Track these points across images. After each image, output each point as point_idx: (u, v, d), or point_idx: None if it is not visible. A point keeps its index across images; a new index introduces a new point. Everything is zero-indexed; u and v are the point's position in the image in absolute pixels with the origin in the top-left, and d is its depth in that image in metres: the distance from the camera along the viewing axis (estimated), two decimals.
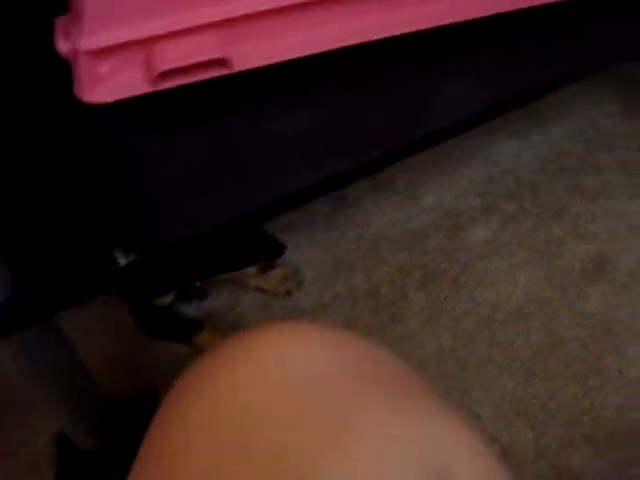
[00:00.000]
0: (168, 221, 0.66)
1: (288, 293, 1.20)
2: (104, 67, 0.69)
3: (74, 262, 0.63)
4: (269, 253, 1.14)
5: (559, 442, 1.09)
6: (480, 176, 1.31)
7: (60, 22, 0.68)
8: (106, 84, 0.69)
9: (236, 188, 0.68)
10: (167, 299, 1.14)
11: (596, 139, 1.35)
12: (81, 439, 1.04)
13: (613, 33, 0.77)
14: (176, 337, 1.16)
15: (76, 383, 0.96)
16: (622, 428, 1.09)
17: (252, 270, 1.12)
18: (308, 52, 0.74)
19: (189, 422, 0.43)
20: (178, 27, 0.68)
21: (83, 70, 0.68)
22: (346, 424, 0.41)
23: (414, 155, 1.25)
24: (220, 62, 0.71)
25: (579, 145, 1.35)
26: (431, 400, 0.47)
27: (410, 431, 0.42)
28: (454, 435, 0.44)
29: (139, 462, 0.44)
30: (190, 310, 1.20)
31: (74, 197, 0.65)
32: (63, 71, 0.68)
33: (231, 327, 1.19)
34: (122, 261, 0.63)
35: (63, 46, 0.66)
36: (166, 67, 0.69)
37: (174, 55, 0.70)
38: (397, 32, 0.75)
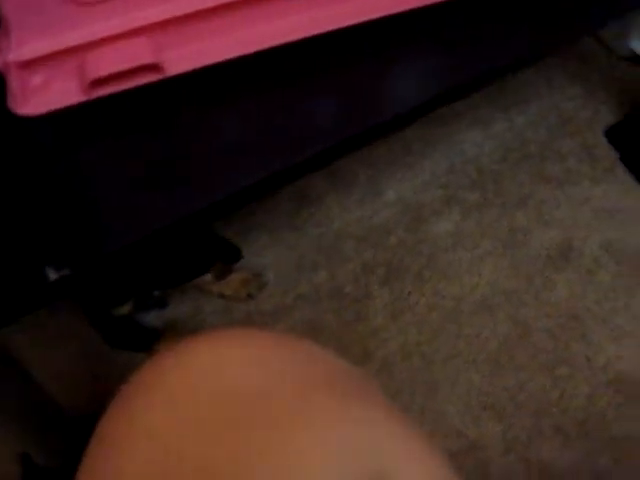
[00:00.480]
0: (104, 232, 0.65)
1: (250, 297, 1.18)
2: (36, 78, 0.67)
3: (4, 279, 0.62)
4: (226, 258, 1.12)
5: (528, 434, 1.07)
6: (442, 167, 1.30)
7: None
8: (39, 95, 0.68)
9: (175, 192, 0.67)
10: (125, 309, 1.12)
11: (559, 125, 1.34)
12: (44, 457, 1.03)
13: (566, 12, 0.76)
14: (137, 347, 1.14)
15: (32, 402, 0.94)
16: (592, 417, 1.08)
17: (210, 276, 1.10)
18: (241, 52, 0.72)
19: (124, 438, 0.42)
20: (108, 34, 0.67)
21: (15, 83, 0.66)
22: (280, 434, 0.40)
23: (372, 146, 1.24)
24: (152, 67, 0.70)
25: (542, 132, 1.33)
26: (375, 405, 0.46)
27: (350, 437, 0.41)
28: (396, 439, 0.43)
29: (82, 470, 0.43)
30: (151, 319, 1.18)
31: (5, 211, 0.64)
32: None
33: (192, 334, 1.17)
34: (53, 276, 0.62)
35: None
36: (98, 75, 0.67)
37: (106, 62, 0.68)
38: (329, 28, 0.74)
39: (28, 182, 0.66)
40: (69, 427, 1.03)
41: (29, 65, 0.65)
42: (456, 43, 0.75)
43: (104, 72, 0.67)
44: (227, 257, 1.13)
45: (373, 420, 0.44)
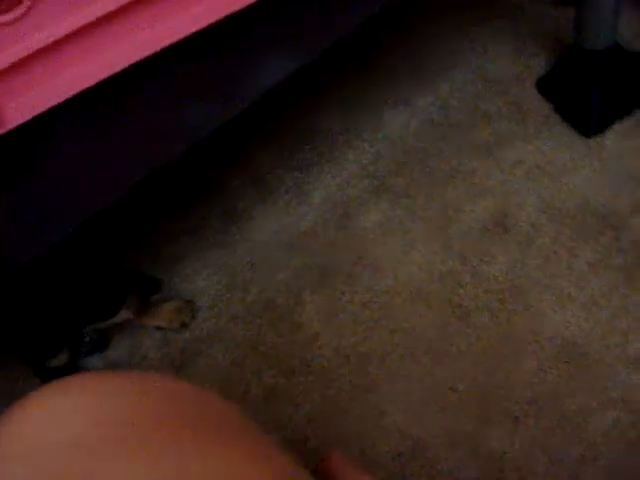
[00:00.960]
0: None
1: (184, 325, 1.16)
2: None
3: None
4: (143, 291, 1.10)
5: (474, 424, 1.00)
6: (367, 156, 1.24)
7: None
8: None
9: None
10: (62, 358, 1.12)
11: (486, 87, 1.26)
12: None
13: None
14: None
15: None
16: (542, 395, 1.00)
17: (129, 312, 1.09)
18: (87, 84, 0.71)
19: None
20: None
21: None
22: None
23: (295, 148, 1.20)
24: None
25: (468, 98, 1.25)
26: (231, 447, 0.45)
27: None
28: None
29: None
30: (94, 363, 1.17)
31: None
32: None
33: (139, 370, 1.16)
34: None
35: None
36: None
37: None
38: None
39: None
40: None
41: None
42: None
43: None
44: (144, 290, 1.11)
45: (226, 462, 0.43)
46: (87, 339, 1.13)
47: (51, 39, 0.67)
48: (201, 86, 0.75)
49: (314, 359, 1.09)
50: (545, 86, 1.23)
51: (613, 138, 1.15)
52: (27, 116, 0.70)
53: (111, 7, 0.67)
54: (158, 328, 1.17)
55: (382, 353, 1.07)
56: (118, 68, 0.71)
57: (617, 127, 1.16)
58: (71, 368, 1.14)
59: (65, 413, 0.44)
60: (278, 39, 0.76)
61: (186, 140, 0.75)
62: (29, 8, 0.66)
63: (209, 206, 1.25)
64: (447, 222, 1.15)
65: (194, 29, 0.72)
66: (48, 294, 1.01)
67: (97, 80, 0.70)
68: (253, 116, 1.31)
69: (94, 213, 0.71)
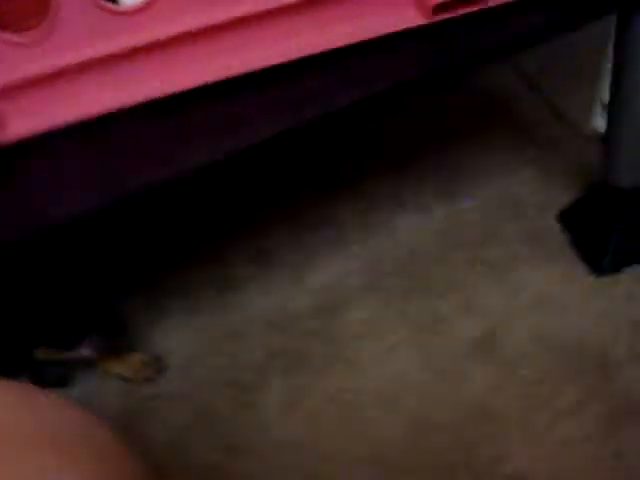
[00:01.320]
0: None
1: (148, 380, 1.13)
2: None
3: None
4: (106, 331, 1.09)
5: None
6: (372, 254, 1.21)
7: None
8: None
9: None
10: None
11: (506, 209, 1.23)
12: None
13: None
14: None
15: None
16: None
17: (88, 350, 1.07)
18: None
19: None
20: None
21: None
22: None
23: (303, 231, 1.19)
24: None
25: (486, 216, 1.22)
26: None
27: None
28: None
29: None
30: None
31: None
32: None
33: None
34: None
35: None
36: None
37: None
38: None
39: None
40: None
41: None
42: None
43: None
44: (108, 330, 1.10)
45: None
46: (49, 372, 1.12)
47: (71, 63, 0.67)
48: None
49: (259, 445, 1.03)
50: (566, 218, 1.19)
51: (624, 281, 1.09)
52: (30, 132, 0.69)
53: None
54: (120, 377, 1.14)
55: (327, 455, 1.00)
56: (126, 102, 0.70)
57: (630, 270, 1.10)
58: None
59: None
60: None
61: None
62: (49, 31, 0.65)
63: (209, 268, 1.24)
64: (434, 332, 1.10)
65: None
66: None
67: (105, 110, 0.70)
68: (271, 191, 1.32)
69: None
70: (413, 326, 1.11)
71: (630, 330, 1.04)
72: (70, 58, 0.67)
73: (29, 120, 0.68)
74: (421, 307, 1.13)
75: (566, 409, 0.98)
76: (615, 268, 1.11)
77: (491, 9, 0.76)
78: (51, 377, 1.13)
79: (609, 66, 1.05)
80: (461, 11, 0.75)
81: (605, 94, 1.10)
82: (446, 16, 0.75)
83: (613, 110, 1.06)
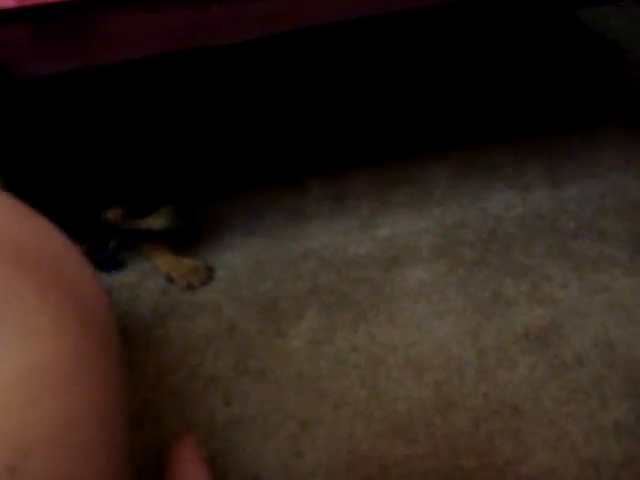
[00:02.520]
0: None
1: (190, 286, 1.10)
2: None
3: None
4: (182, 208, 1.04)
5: None
6: (453, 218, 1.12)
7: None
8: None
9: None
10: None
11: (614, 205, 1.09)
12: None
13: None
14: None
15: None
16: None
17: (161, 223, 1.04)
18: None
19: None
20: None
21: None
22: None
23: (384, 180, 1.13)
24: None
25: (589, 209, 1.09)
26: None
27: None
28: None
29: None
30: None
31: None
32: None
33: (124, 303, 1.11)
34: None
35: None
36: None
37: None
38: None
39: None
40: None
41: None
42: None
43: None
44: (183, 208, 1.05)
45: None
46: (110, 246, 1.10)
47: None
48: None
49: (277, 371, 0.97)
50: None
51: None
52: None
53: None
54: (167, 276, 1.12)
55: (339, 401, 0.93)
56: None
57: None
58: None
59: None
60: None
61: None
62: None
63: (283, 198, 1.19)
64: (491, 312, 0.99)
65: None
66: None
67: None
68: (362, 142, 1.24)
69: None
70: (470, 300, 1.01)
71: None
72: None
73: None
74: (485, 283, 1.02)
75: (606, 428, 0.84)
76: None
77: None
78: (108, 260, 1.13)
79: None
80: None
81: None
82: None
83: None
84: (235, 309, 1.05)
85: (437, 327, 0.98)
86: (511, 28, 1.44)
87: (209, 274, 1.11)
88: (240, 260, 1.12)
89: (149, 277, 1.12)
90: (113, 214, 1.03)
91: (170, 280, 1.11)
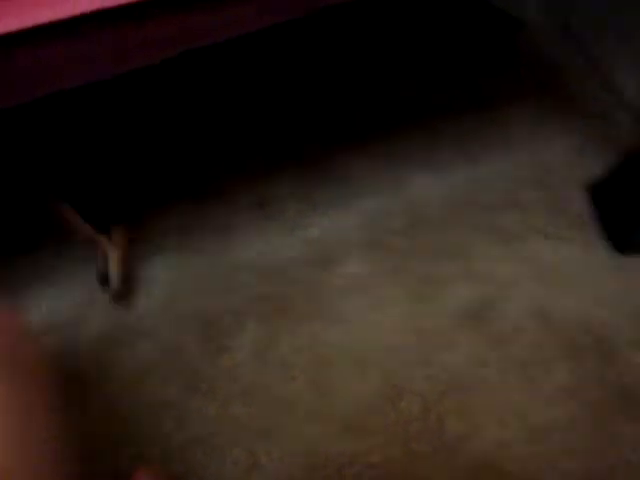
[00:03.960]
0: None
1: (116, 297, 1.08)
2: None
3: None
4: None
5: None
6: (379, 211, 1.13)
7: None
8: None
9: None
10: None
11: (534, 177, 1.12)
12: None
13: None
14: None
15: None
16: None
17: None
18: None
19: None
20: None
21: None
22: None
23: (308, 181, 1.13)
24: None
25: (511, 183, 1.12)
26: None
27: None
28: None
29: None
30: None
31: None
32: None
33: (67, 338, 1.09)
34: None
35: None
36: None
37: None
38: None
39: None
40: None
41: None
42: None
43: None
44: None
45: None
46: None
47: None
48: None
49: (223, 387, 0.97)
50: (596, 191, 1.07)
51: None
52: None
53: None
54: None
55: (290, 402, 0.93)
56: None
57: None
58: None
59: None
60: None
61: None
62: None
63: (210, 210, 1.19)
64: (426, 295, 1.00)
65: None
66: None
67: None
68: (282, 142, 1.24)
69: None
70: (405, 287, 1.02)
71: (638, 315, 0.92)
72: None
73: None
74: (419, 269, 1.04)
75: (553, 390, 0.87)
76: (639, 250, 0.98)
77: None
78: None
79: None
80: None
81: None
82: None
83: None
84: (176, 331, 1.05)
85: (375, 318, 0.99)
86: (415, 11, 1.46)
87: (123, 287, 1.09)
88: (175, 279, 1.11)
89: (89, 310, 1.11)
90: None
91: (103, 281, 1.09)
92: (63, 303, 1.07)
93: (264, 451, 0.88)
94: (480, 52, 1.35)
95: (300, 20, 0.71)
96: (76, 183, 1.07)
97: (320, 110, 1.30)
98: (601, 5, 1.14)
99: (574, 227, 1.03)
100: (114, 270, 1.09)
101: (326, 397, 0.92)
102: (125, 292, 1.08)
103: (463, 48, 1.38)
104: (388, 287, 1.02)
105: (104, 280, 1.08)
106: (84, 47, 0.69)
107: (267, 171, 1.20)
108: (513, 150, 1.16)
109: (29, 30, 0.63)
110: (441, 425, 0.87)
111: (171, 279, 1.11)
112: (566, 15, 1.35)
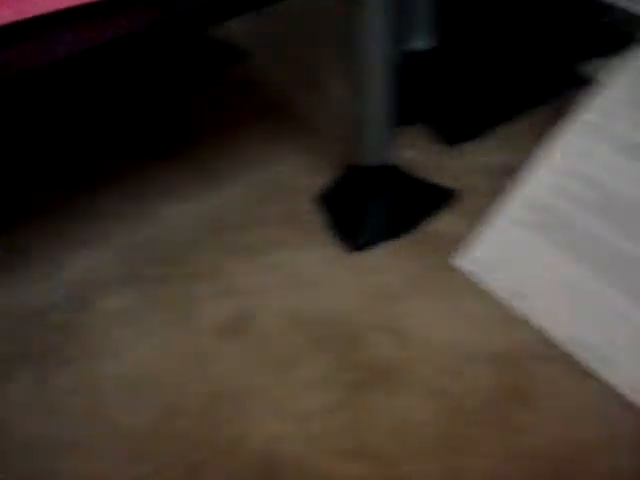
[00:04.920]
0: None
1: None
2: None
3: None
4: None
5: None
6: (132, 244, 1.18)
7: None
8: None
9: None
10: None
11: (269, 193, 1.23)
12: None
13: None
14: None
15: None
16: None
17: None
18: None
19: None
20: None
21: None
22: None
23: (54, 217, 1.13)
24: None
25: (251, 201, 1.22)
26: None
27: None
28: None
29: None
30: None
31: None
32: None
33: None
34: None
35: None
36: None
37: None
38: None
39: None
40: None
41: None
42: None
43: None
44: None
45: None
46: None
47: None
48: None
49: None
50: (325, 199, 1.20)
51: (376, 255, 1.11)
52: None
53: None
54: None
55: (71, 445, 0.94)
56: None
57: (384, 245, 1.12)
58: None
59: None
60: None
61: None
62: None
63: None
64: (187, 317, 1.07)
65: None
66: None
67: None
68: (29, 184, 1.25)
69: None
70: (167, 313, 1.07)
71: (377, 301, 1.05)
72: None
73: None
74: (178, 293, 1.10)
75: (312, 381, 0.97)
76: (367, 245, 1.13)
77: None
78: None
79: None
80: None
81: None
82: None
83: (354, 95, 1.10)
84: None
85: (140, 347, 1.03)
86: (147, 55, 1.52)
87: None
88: None
89: None
90: None
91: None
92: None
93: None
94: (198, 84, 1.45)
95: None
96: None
97: (57, 150, 1.32)
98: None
99: (311, 234, 1.15)
100: None
101: (106, 430, 0.95)
102: None
103: (183, 82, 1.47)
104: (150, 316, 1.07)
105: None
106: None
107: (18, 217, 1.20)
108: (251, 171, 1.26)
109: None
110: (218, 432, 0.93)
111: None
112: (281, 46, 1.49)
